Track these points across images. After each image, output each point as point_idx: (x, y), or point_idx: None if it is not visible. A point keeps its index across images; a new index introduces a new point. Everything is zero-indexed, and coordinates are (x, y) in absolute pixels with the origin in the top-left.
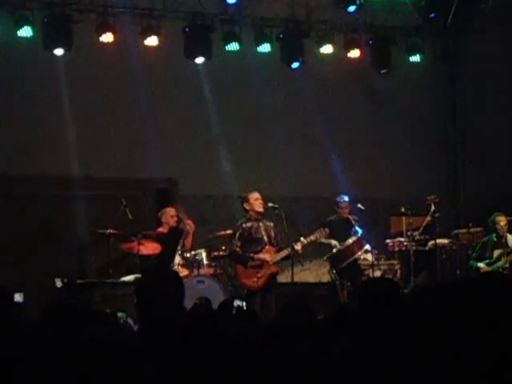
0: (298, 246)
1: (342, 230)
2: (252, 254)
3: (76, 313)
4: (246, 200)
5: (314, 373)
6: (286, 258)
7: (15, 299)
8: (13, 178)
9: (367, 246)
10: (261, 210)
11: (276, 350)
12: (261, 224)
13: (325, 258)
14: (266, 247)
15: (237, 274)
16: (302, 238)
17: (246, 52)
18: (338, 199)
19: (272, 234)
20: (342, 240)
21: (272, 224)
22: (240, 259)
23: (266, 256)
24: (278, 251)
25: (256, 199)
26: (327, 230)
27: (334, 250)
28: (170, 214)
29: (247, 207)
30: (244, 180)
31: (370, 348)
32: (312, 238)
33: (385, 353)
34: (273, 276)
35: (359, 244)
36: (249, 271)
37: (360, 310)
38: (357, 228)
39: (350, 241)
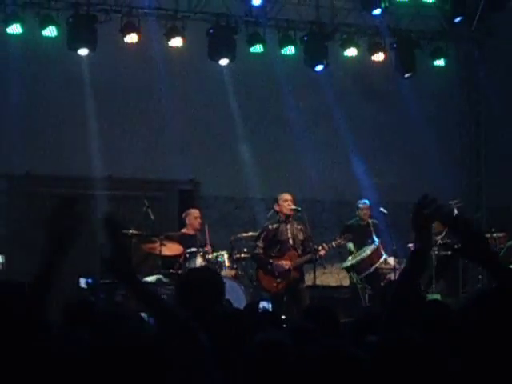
0: (321, 252)
1: (360, 235)
2: (271, 260)
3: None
4: (276, 201)
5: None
6: (308, 262)
7: None
8: (36, 177)
9: (384, 256)
10: (289, 212)
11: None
12: (288, 226)
13: (342, 267)
14: (289, 252)
15: (257, 277)
16: (324, 244)
17: (270, 54)
18: (358, 203)
19: (300, 236)
20: (359, 245)
21: (301, 227)
22: (260, 263)
23: (285, 263)
24: (301, 255)
25: (285, 200)
26: (350, 235)
27: (351, 259)
28: (193, 216)
29: (276, 208)
30: (266, 182)
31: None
32: (334, 244)
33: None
34: (294, 281)
35: (377, 254)
36: (268, 276)
37: (383, 312)
38: (374, 237)
39: (368, 252)
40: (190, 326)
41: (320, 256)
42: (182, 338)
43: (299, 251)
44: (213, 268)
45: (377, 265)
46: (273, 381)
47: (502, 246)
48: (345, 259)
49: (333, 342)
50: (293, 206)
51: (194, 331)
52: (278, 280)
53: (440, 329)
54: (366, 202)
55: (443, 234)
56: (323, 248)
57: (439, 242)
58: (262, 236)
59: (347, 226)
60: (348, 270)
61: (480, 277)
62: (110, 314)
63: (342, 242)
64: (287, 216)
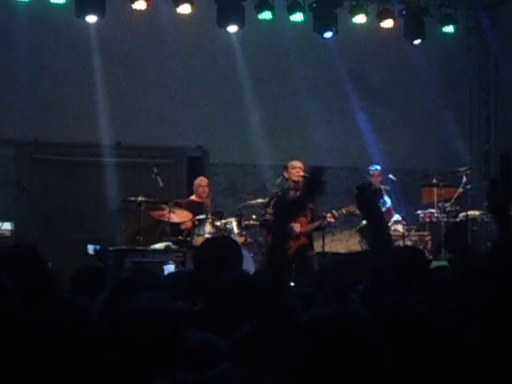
0: (330, 218)
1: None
2: None
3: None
4: (285, 168)
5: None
6: (318, 228)
7: None
8: (45, 144)
9: (396, 217)
10: (296, 179)
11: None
12: (298, 193)
13: (354, 229)
14: (299, 218)
15: (266, 243)
16: (333, 211)
17: (278, 21)
18: (369, 168)
19: (309, 205)
20: None
21: None
22: (269, 227)
23: (295, 225)
24: (311, 222)
25: (294, 168)
26: None
27: (364, 222)
28: (198, 184)
29: (286, 175)
30: (275, 149)
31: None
32: (344, 211)
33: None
34: (303, 247)
35: (389, 214)
36: None
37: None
38: (386, 198)
39: None
40: None
41: (329, 223)
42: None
43: (309, 218)
44: (227, 236)
45: (389, 224)
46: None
47: None
48: (354, 226)
49: (340, 304)
50: (301, 173)
51: None
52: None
53: (441, 295)
54: (378, 167)
55: (452, 200)
56: (332, 215)
57: (448, 208)
58: (272, 203)
59: None
60: (361, 231)
61: (488, 244)
62: (121, 280)
63: (351, 210)
64: (296, 183)
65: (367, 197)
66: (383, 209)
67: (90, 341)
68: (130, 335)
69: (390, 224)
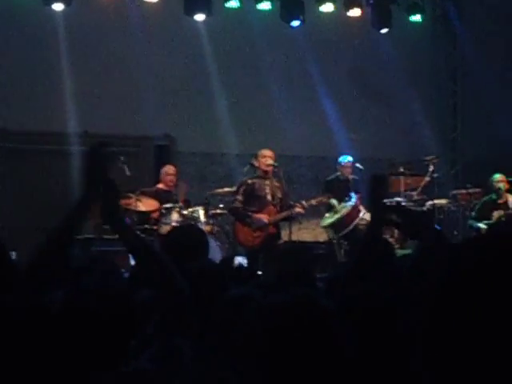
0: (299, 209)
1: (341, 190)
2: (251, 213)
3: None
4: (255, 157)
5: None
6: (286, 219)
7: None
8: (12, 133)
9: (363, 212)
10: (268, 168)
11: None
12: (267, 182)
13: (321, 226)
14: (268, 207)
15: (234, 231)
16: (303, 202)
17: (245, 9)
18: (341, 159)
19: (278, 194)
20: (340, 200)
21: (279, 185)
22: (238, 216)
23: (263, 216)
24: (280, 212)
25: (263, 156)
26: (330, 195)
27: (329, 217)
28: (165, 172)
29: (255, 164)
30: (243, 138)
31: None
32: (313, 202)
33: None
34: (271, 236)
35: (356, 211)
36: (246, 229)
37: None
38: (351, 194)
39: (347, 209)
40: (172, 269)
41: (298, 213)
42: (164, 280)
43: (277, 208)
44: (194, 225)
45: (356, 221)
46: (240, 334)
47: (476, 201)
48: (321, 215)
49: (297, 290)
50: (271, 162)
51: (175, 275)
52: (255, 234)
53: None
54: (350, 158)
55: (419, 189)
56: (302, 206)
57: (415, 197)
58: (241, 190)
59: (327, 182)
60: (327, 227)
61: (455, 232)
62: (84, 268)
63: (324, 200)
64: (265, 172)
65: (382, 189)
66: (349, 206)
67: (51, 329)
68: (83, 316)
69: (357, 220)
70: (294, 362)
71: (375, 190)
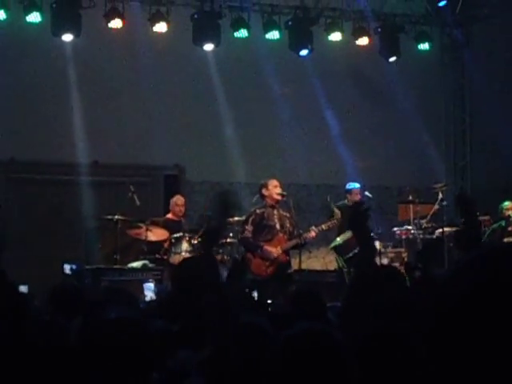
0: (310, 235)
1: (347, 217)
2: (262, 243)
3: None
4: (264, 186)
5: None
6: (296, 247)
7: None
8: (22, 163)
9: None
10: (279, 197)
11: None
12: (275, 212)
13: (330, 247)
14: (277, 236)
15: (244, 260)
16: (313, 227)
17: (254, 39)
18: (349, 186)
19: (287, 224)
20: (346, 227)
21: (288, 214)
22: (249, 246)
23: (274, 250)
24: (289, 240)
25: (275, 186)
26: (339, 218)
27: (338, 239)
28: (175, 202)
29: (265, 193)
30: (252, 167)
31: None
32: (324, 227)
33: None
34: (283, 265)
35: None
36: (257, 260)
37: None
38: None
39: (350, 233)
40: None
41: (311, 237)
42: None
43: (287, 236)
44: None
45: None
46: (250, 365)
47: (486, 228)
48: (329, 243)
49: (310, 324)
50: (280, 191)
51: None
52: (268, 263)
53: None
54: (357, 185)
55: (428, 217)
56: (313, 231)
57: (424, 225)
58: (250, 220)
59: (336, 207)
60: (335, 250)
61: None
62: (97, 300)
63: (331, 226)
64: (276, 201)
65: (361, 214)
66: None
67: (69, 361)
68: (102, 346)
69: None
70: None
71: (355, 216)
